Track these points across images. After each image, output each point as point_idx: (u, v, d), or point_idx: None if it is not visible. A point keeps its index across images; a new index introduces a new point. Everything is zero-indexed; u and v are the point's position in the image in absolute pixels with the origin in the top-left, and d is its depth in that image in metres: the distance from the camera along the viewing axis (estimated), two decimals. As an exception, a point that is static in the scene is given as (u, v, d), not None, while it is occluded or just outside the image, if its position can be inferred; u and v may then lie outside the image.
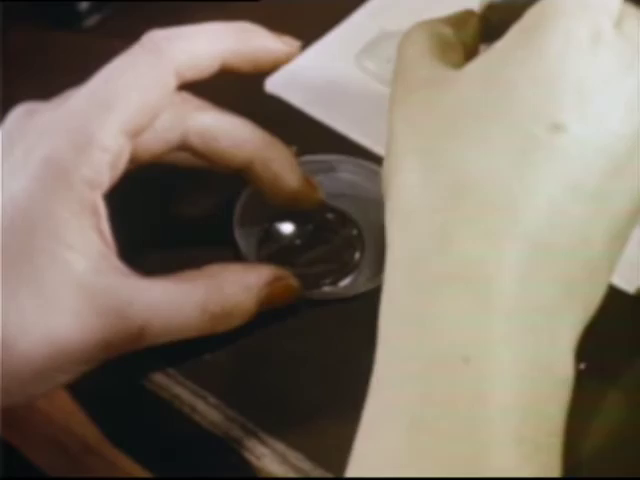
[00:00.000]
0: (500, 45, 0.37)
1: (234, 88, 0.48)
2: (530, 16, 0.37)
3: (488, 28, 0.43)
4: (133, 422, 0.48)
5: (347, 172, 0.51)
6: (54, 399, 0.49)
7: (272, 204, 0.48)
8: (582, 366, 0.45)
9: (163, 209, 0.50)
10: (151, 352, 0.42)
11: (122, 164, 0.42)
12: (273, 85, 0.57)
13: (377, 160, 0.53)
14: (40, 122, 0.42)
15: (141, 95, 0.42)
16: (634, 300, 0.48)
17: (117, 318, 0.40)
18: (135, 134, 0.42)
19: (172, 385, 0.44)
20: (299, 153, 0.50)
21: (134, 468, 0.47)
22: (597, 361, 0.45)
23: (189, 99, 0.45)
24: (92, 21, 0.59)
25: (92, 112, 0.41)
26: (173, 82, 0.43)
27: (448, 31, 0.41)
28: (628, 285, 0.48)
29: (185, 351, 0.44)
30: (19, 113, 0.43)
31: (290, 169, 0.46)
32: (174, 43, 0.43)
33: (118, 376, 0.45)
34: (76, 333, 0.40)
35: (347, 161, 0.52)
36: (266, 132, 0.46)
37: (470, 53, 0.42)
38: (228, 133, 0.45)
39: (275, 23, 0.47)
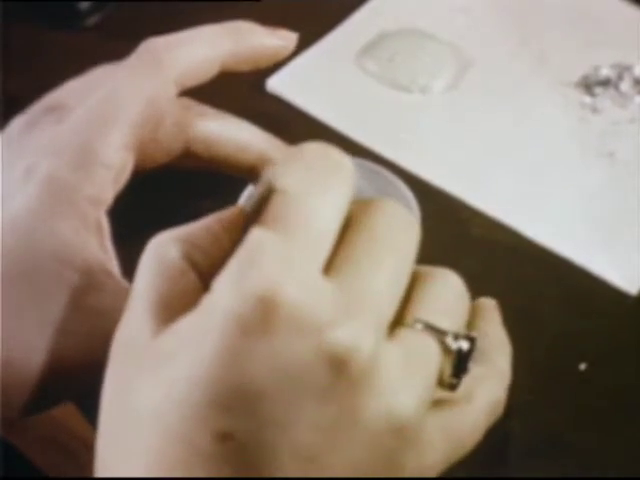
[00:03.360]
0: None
1: (234, 88, 0.48)
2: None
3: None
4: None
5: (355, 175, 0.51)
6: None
7: None
8: (582, 366, 0.45)
9: (163, 211, 0.50)
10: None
11: (125, 177, 0.42)
12: (274, 85, 0.57)
13: (377, 160, 0.53)
14: (41, 138, 0.41)
15: (142, 108, 0.41)
16: (634, 300, 0.48)
17: None
18: (138, 147, 0.41)
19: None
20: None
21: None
22: (597, 361, 0.45)
23: (191, 106, 0.45)
24: (92, 21, 0.59)
25: (93, 129, 0.40)
26: (173, 91, 0.42)
27: (175, 252, 0.35)
28: (629, 286, 0.48)
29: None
30: (17, 126, 0.43)
31: None
32: (171, 52, 0.42)
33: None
34: (80, 354, 0.39)
35: (357, 164, 0.51)
36: (269, 134, 0.46)
37: (216, 267, 0.35)
38: (231, 138, 0.45)
39: (275, 23, 0.47)
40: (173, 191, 0.50)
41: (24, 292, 0.39)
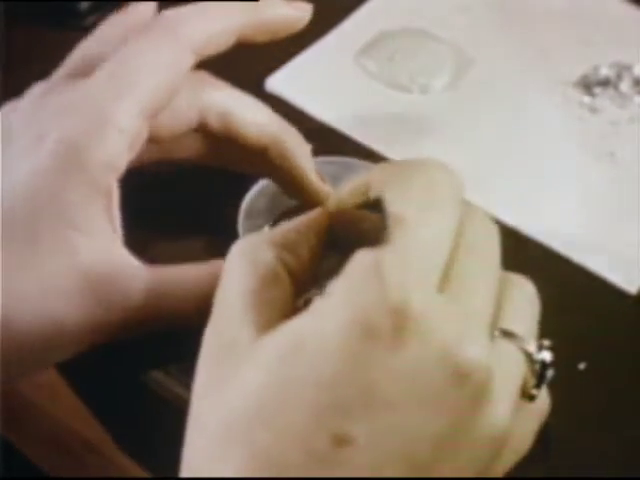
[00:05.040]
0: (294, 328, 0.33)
1: (234, 88, 0.48)
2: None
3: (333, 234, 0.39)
4: (134, 422, 0.48)
5: (358, 176, 0.51)
6: (55, 399, 0.49)
7: (282, 193, 0.48)
8: (582, 366, 0.45)
9: (171, 205, 0.50)
10: (153, 351, 0.42)
11: (139, 145, 0.41)
12: (273, 84, 0.57)
13: (377, 160, 0.53)
14: (56, 102, 0.42)
15: (158, 75, 0.41)
16: (634, 300, 0.48)
17: (116, 304, 0.40)
18: (152, 115, 0.41)
19: (173, 384, 0.44)
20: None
21: (134, 468, 0.47)
22: (597, 361, 0.45)
23: (207, 78, 0.45)
24: (92, 20, 0.59)
25: (109, 94, 0.41)
26: (190, 61, 0.42)
27: (272, 256, 0.36)
28: (629, 285, 0.48)
29: (187, 350, 0.44)
30: (36, 92, 0.43)
31: (304, 158, 0.46)
32: (189, 20, 0.42)
33: (120, 376, 0.45)
34: (75, 316, 0.40)
35: (359, 165, 0.51)
36: (283, 119, 0.46)
37: (305, 270, 0.37)
38: (247, 114, 0.45)
39: (275, 23, 0.47)
40: (182, 188, 0.50)
41: (25, 250, 0.39)
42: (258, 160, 0.46)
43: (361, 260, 0.32)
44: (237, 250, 0.36)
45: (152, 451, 0.48)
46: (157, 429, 0.47)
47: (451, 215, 0.34)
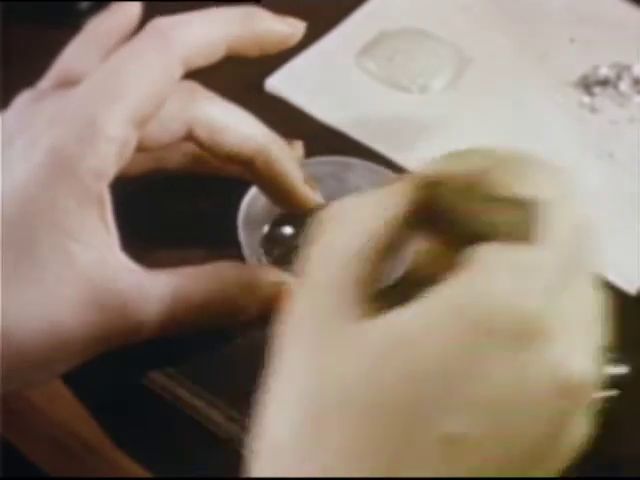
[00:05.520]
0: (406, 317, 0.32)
1: (234, 88, 0.48)
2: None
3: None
4: (134, 422, 0.48)
5: (357, 175, 0.51)
6: (54, 399, 0.49)
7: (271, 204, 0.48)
8: (582, 366, 0.45)
9: (170, 209, 0.50)
10: (153, 353, 0.42)
11: (128, 153, 0.42)
12: (273, 84, 0.57)
13: (377, 160, 0.53)
14: (46, 110, 0.42)
15: (147, 84, 0.41)
16: (634, 300, 0.48)
17: (117, 311, 0.40)
18: (142, 123, 0.41)
19: (173, 386, 0.44)
20: (304, 155, 0.50)
21: (134, 468, 0.47)
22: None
23: (197, 89, 0.45)
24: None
25: (98, 102, 0.41)
26: (179, 70, 0.42)
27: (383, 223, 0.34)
28: (628, 286, 0.48)
29: (187, 352, 0.44)
30: (25, 99, 0.43)
31: (291, 170, 0.46)
32: (179, 30, 0.42)
33: (119, 377, 0.45)
34: (76, 324, 0.40)
35: (358, 164, 0.51)
36: (270, 130, 0.46)
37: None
38: (234, 127, 0.45)
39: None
40: (180, 191, 0.51)
41: (23, 260, 0.39)
42: (245, 169, 0.46)
43: (491, 255, 0.32)
44: (352, 208, 0.34)
45: (152, 451, 0.48)
46: (157, 430, 0.47)
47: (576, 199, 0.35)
